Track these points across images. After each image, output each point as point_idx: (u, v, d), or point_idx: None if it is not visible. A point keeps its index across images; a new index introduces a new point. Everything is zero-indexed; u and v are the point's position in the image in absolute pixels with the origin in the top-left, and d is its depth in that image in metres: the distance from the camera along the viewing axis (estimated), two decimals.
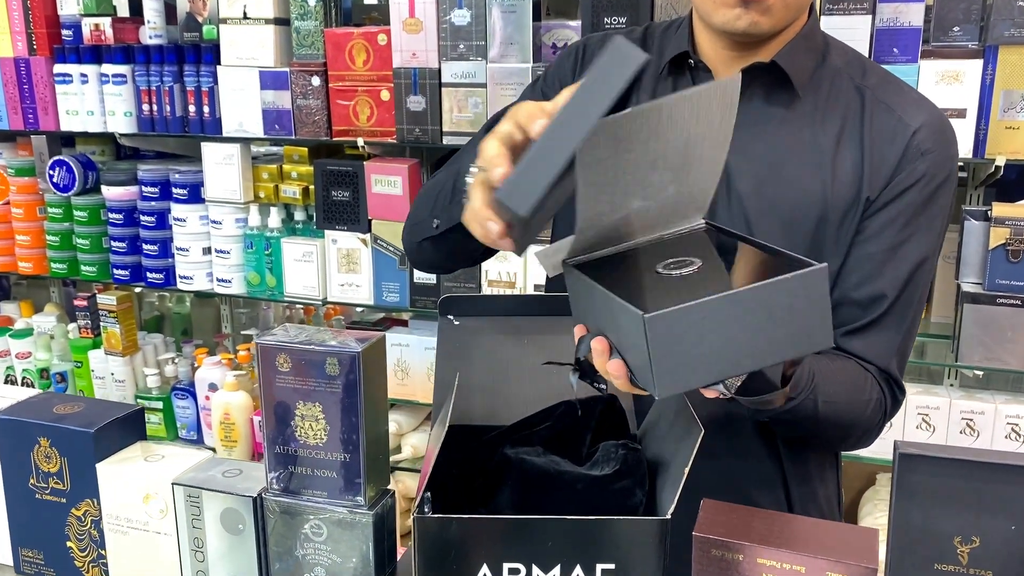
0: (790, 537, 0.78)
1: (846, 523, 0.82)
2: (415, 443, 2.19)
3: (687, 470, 0.71)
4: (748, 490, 1.05)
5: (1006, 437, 1.68)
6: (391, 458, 2.23)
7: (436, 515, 0.75)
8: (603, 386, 0.81)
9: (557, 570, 0.76)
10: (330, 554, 0.93)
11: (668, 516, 0.71)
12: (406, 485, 2.15)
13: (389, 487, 0.96)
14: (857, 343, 1.01)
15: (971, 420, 1.73)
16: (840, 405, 0.97)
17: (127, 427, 1.05)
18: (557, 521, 0.74)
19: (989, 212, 1.77)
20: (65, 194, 2.42)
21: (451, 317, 1.00)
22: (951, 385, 1.85)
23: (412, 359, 2.15)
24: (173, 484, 0.97)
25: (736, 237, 0.80)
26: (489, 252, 1.12)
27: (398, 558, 0.97)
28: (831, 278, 1.00)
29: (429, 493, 0.80)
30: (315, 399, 0.91)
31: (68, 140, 2.58)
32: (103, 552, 1.03)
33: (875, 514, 1.88)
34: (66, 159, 2.39)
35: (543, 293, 1.14)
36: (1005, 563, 0.84)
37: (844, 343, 1.01)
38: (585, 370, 0.79)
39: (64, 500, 1.03)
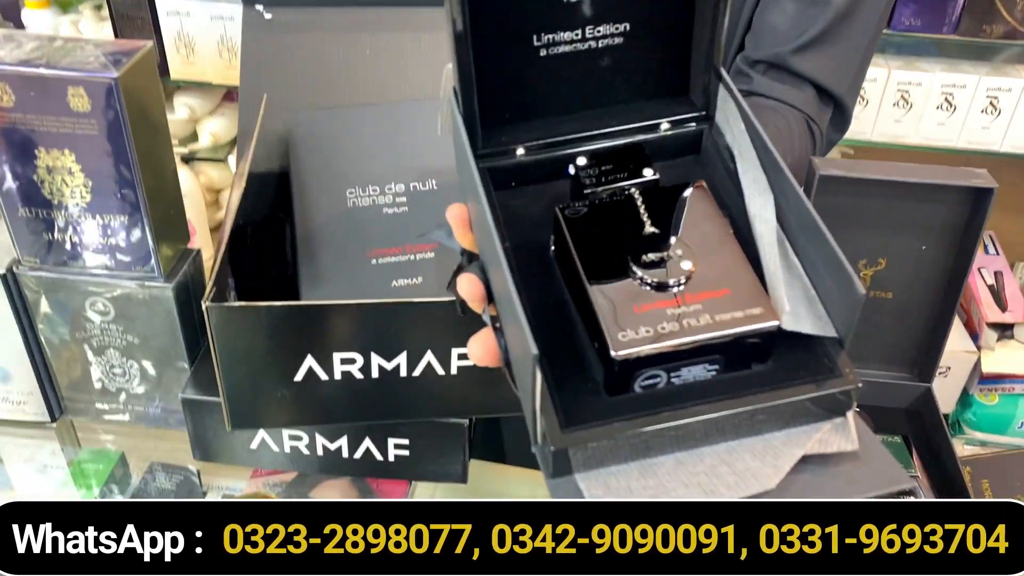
0: None
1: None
2: (214, 130, 1.89)
3: None
4: None
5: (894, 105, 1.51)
6: (187, 148, 1.94)
7: (233, 304, 0.59)
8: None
9: (403, 357, 0.63)
10: (124, 335, 0.73)
11: None
12: (209, 177, 1.90)
13: (190, 247, 0.74)
14: (803, 62, 0.76)
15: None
16: None
17: None
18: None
19: None
20: None
21: (260, 8, 0.74)
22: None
23: (195, 31, 1.77)
24: None
25: None
26: None
27: None
28: None
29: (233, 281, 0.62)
30: (63, 145, 0.65)
31: None
32: None
33: None
34: None
35: None
36: (909, 283, 0.78)
37: (793, 62, 0.77)
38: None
39: None
